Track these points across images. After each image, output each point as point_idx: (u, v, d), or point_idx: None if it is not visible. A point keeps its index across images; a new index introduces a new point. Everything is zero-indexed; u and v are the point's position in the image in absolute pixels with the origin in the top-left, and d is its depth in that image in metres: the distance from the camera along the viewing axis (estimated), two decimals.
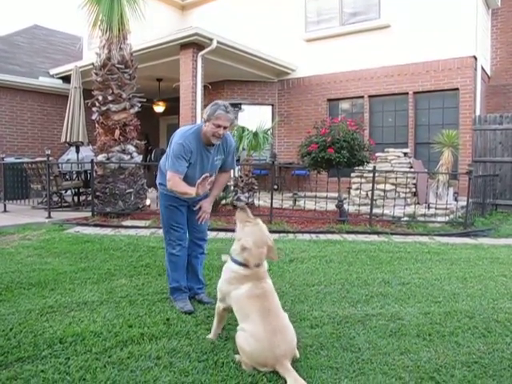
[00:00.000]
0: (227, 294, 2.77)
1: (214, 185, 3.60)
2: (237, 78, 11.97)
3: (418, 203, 8.62)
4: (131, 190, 7.99)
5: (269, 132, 9.07)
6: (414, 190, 8.72)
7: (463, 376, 2.47)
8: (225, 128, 3.28)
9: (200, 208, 3.46)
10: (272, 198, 7.69)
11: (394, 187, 8.26)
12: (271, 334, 2.48)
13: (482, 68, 10.40)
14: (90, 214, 7.84)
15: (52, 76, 12.90)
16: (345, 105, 11.69)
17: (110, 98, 7.93)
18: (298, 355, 2.61)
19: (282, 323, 2.61)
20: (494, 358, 2.68)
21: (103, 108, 7.96)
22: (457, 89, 9.90)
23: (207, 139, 3.32)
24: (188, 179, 3.35)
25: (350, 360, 2.63)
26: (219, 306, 2.87)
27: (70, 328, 3.01)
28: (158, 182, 3.63)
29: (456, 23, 9.74)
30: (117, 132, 7.94)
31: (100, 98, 7.99)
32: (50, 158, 8.19)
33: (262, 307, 2.59)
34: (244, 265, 2.70)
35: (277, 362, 2.42)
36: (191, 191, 3.20)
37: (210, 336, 2.90)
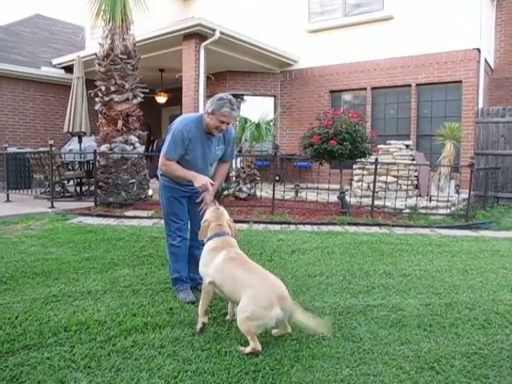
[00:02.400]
0: (208, 266, 2.94)
1: (215, 176, 3.66)
2: (239, 68, 11.94)
3: (420, 195, 8.63)
4: (134, 180, 8.02)
5: (271, 123, 9.07)
6: (415, 182, 8.73)
7: (463, 366, 2.50)
8: (228, 124, 3.32)
9: (202, 200, 3.48)
10: (274, 190, 7.70)
11: (395, 179, 8.27)
12: (264, 275, 2.78)
13: (486, 60, 10.34)
14: (92, 204, 7.87)
15: (54, 66, 12.88)
16: (347, 96, 11.66)
17: (112, 88, 7.93)
18: (289, 329, 2.76)
19: (267, 272, 2.86)
20: (493, 349, 2.71)
21: (106, 98, 7.96)
22: (460, 81, 9.86)
23: (209, 130, 3.34)
24: (189, 166, 3.40)
25: (352, 350, 2.67)
26: (205, 280, 2.96)
27: (74, 317, 3.05)
28: (159, 173, 3.65)
29: (460, 15, 9.68)
30: (119, 122, 7.94)
31: (103, 88, 7.99)
32: (53, 148, 8.21)
33: (242, 264, 2.85)
34: (210, 238, 3.06)
35: (281, 298, 2.58)
36: (191, 176, 3.32)
37: (200, 322, 2.91)
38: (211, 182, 3.35)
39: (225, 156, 3.65)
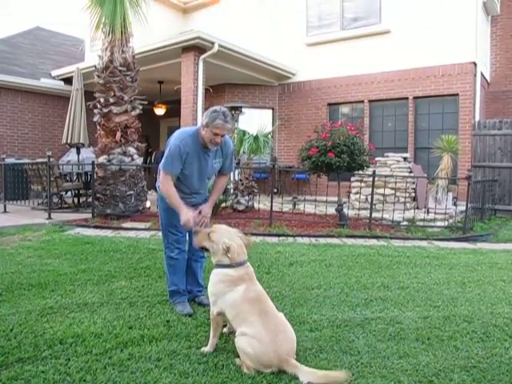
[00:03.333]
0: (220, 297, 2.74)
1: (213, 189, 3.66)
2: (238, 81, 12.01)
3: (418, 208, 8.64)
4: (132, 192, 8.01)
5: (269, 136, 9.10)
6: (413, 194, 8.74)
7: (462, 380, 2.48)
8: (222, 136, 3.30)
9: (200, 212, 3.48)
10: (272, 202, 7.70)
11: (393, 192, 8.28)
12: (273, 334, 2.50)
13: (482, 74, 10.44)
14: (90, 215, 7.85)
15: (54, 77, 12.94)
16: (345, 109, 11.73)
17: (111, 100, 7.96)
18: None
19: (282, 322, 2.65)
20: (492, 363, 2.70)
21: (105, 110, 7.99)
22: (456, 94, 9.94)
23: (204, 143, 3.34)
24: (187, 179, 3.41)
25: (350, 363, 2.65)
26: (213, 310, 2.80)
27: (70, 329, 3.02)
28: (157, 184, 3.64)
29: (456, 29, 9.79)
30: (118, 134, 7.96)
31: (102, 100, 8.02)
32: (51, 159, 8.20)
33: (259, 309, 2.62)
34: (232, 266, 2.76)
35: (281, 362, 2.46)
36: (179, 208, 3.26)
37: (207, 348, 2.76)
38: (195, 218, 3.29)
39: (223, 169, 3.64)
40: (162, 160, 3.37)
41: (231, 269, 2.77)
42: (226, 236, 2.86)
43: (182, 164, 3.33)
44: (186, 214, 3.24)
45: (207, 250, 2.96)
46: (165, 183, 3.34)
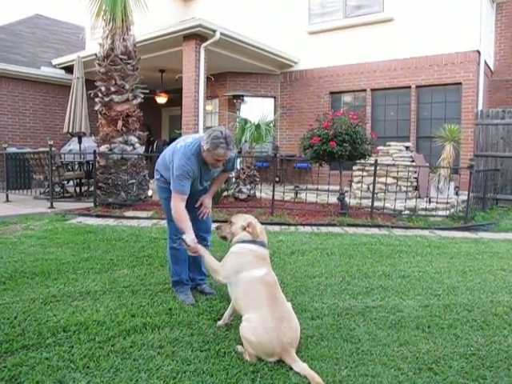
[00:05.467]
0: (238, 272, 2.72)
1: (214, 181, 3.65)
2: (239, 69, 11.96)
3: (419, 197, 8.63)
4: (133, 180, 8.02)
5: (271, 124, 9.07)
6: (415, 183, 8.73)
7: (461, 367, 2.51)
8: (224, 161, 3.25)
9: (201, 204, 3.46)
10: (274, 191, 7.71)
11: (395, 181, 8.28)
12: (278, 321, 2.51)
13: (486, 62, 10.36)
14: (92, 204, 7.87)
15: (54, 66, 12.89)
16: (347, 98, 11.68)
17: (112, 88, 7.94)
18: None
19: (288, 310, 2.66)
20: (491, 350, 2.72)
21: (106, 99, 7.96)
22: (459, 83, 9.88)
23: (206, 161, 3.26)
24: (190, 189, 3.35)
25: (350, 351, 2.67)
26: (219, 274, 2.83)
27: (73, 317, 3.05)
28: (156, 176, 3.60)
29: (460, 17, 9.70)
30: (119, 123, 7.94)
31: (103, 88, 7.99)
32: (53, 149, 8.20)
33: (271, 294, 2.63)
34: (255, 242, 2.82)
35: (283, 351, 2.46)
36: (187, 234, 3.11)
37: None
38: (196, 246, 3.11)
39: (225, 169, 3.58)
40: (173, 181, 3.25)
41: (259, 246, 2.82)
42: (244, 217, 2.98)
43: (192, 180, 3.27)
44: (191, 240, 3.11)
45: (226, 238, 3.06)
46: (178, 207, 3.21)
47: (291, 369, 2.41)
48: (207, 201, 3.50)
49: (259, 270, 2.71)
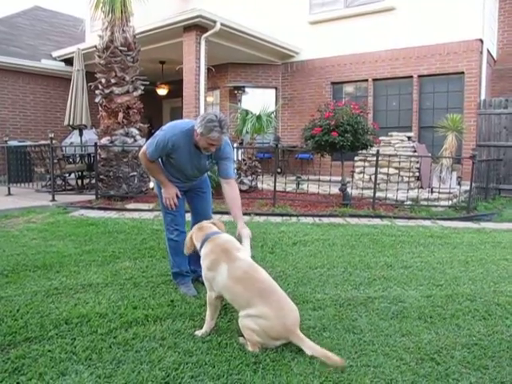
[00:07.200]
0: (211, 283, 2.76)
1: (232, 205, 3.28)
2: (240, 60, 11.88)
3: (421, 187, 8.61)
4: (135, 173, 8.01)
5: (272, 115, 9.03)
6: (417, 174, 8.70)
7: (463, 357, 2.50)
8: (218, 145, 3.16)
9: (239, 235, 3.14)
10: (275, 182, 7.69)
11: (397, 171, 8.25)
12: (278, 309, 2.51)
13: (488, 51, 10.27)
14: (93, 197, 7.87)
15: (54, 58, 12.82)
16: (349, 88, 11.61)
17: (113, 80, 7.90)
18: None
19: (282, 295, 2.63)
20: (493, 340, 2.72)
21: (106, 91, 7.94)
22: (462, 72, 9.80)
23: (198, 146, 3.20)
24: (179, 170, 3.38)
25: (352, 341, 2.67)
26: (211, 294, 2.77)
27: (75, 309, 3.06)
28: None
29: (462, 5, 9.59)
30: (120, 115, 7.92)
31: (103, 80, 7.96)
32: (54, 141, 8.19)
33: (257, 290, 2.58)
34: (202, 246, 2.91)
35: (289, 333, 2.49)
36: (164, 185, 3.35)
37: (202, 331, 2.73)
38: (178, 194, 3.40)
39: (223, 171, 3.35)
40: (150, 140, 3.30)
41: (204, 247, 2.93)
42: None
43: (166, 156, 3.29)
44: (169, 191, 3.30)
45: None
46: (145, 162, 3.40)
47: (293, 359, 2.42)
48: (245, 231, 3.10)
49: (221, 271, 2.74)
